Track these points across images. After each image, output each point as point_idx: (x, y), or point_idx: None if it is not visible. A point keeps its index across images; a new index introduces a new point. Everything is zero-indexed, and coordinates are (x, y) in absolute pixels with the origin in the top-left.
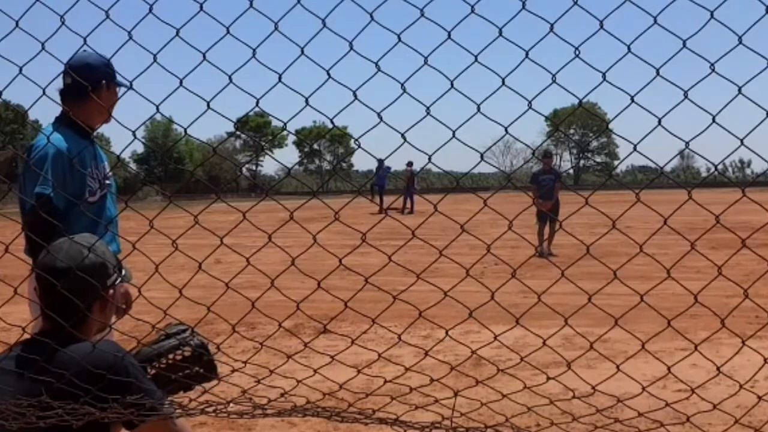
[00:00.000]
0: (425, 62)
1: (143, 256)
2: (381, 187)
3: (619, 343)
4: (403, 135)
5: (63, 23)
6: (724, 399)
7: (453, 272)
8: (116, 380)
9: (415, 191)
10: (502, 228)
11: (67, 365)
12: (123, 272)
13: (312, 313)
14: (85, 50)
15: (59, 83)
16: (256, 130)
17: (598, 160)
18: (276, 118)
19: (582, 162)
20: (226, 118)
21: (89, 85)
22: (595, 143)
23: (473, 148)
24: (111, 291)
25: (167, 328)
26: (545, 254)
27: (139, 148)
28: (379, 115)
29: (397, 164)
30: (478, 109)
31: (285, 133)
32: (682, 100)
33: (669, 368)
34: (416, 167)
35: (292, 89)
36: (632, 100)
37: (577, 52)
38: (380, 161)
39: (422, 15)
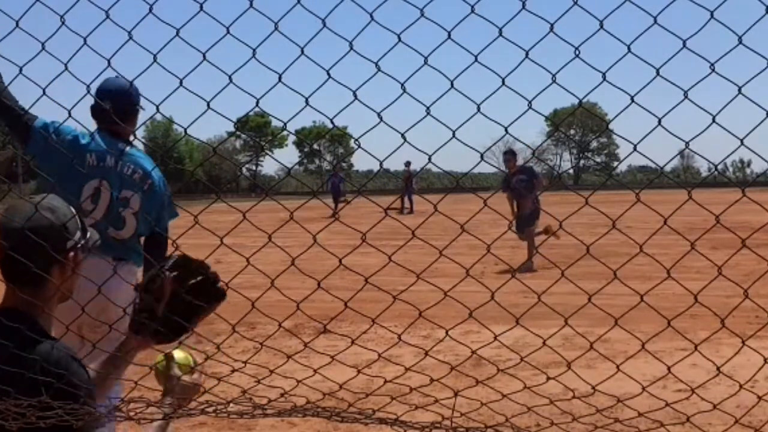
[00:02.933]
0: (425, 62)
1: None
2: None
3: (619, 343)
4: (403, 135)
5: (63, 23)
6: (724, 399)
7: (453, 272)
8: (61, 384)
9: (414, 191)
10: (502, 228)
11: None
12: (88, 235)
13: (312, 313)
14: (117, 77)
15: (59, 83)
16: (256, 130)
17: (598, 160)
18: (276, 118)
19: (582, 162)
20: (226, 118)
21: (130, 109)
22: (595, 143)
23: (473, 148)
24: (71, 254)
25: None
26: (525, 269)
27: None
28: (379, 115)
29: (396, 164)
30: (478, 109)
31: (285, 133)
32: (682, 100)
33: (669, 368)
34: (416, 167)
35: (292, 89)
36: (632, 100)
37: (577, 52)
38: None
39: (422, 15)
